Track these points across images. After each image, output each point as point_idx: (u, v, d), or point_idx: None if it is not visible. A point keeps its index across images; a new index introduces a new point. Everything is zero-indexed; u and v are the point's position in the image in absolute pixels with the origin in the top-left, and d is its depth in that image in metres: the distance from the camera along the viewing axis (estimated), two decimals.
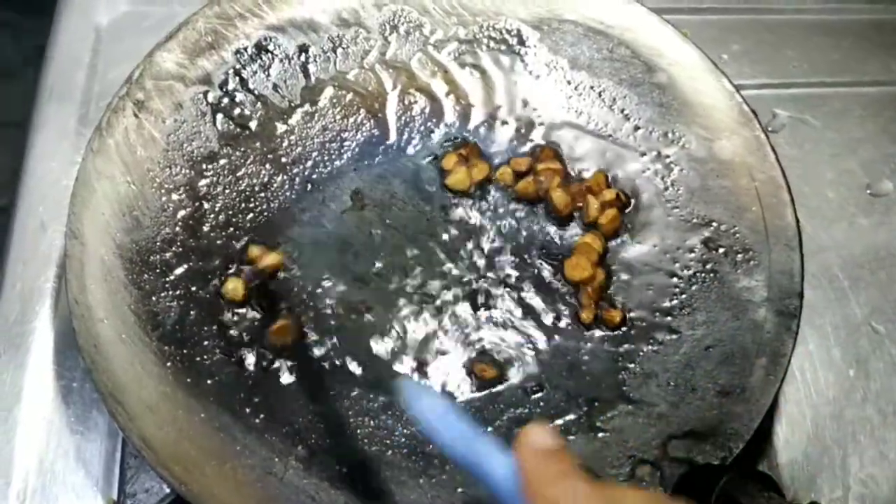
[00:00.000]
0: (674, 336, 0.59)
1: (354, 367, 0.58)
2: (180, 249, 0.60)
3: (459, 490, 0.53)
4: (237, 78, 0.65)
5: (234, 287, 0.59)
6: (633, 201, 0.64)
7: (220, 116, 0.64)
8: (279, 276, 0.60)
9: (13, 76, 0.75)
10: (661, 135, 0.65)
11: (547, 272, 0.62)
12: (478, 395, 0.58)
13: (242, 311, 0.59)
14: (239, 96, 0.65)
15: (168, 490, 0.55)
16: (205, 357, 0.57)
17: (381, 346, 0.59)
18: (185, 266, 0.59)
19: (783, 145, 0.69)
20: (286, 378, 0.57)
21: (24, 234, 0.65)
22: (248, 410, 0.55)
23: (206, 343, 0.57)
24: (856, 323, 0.66)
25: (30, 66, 0.74)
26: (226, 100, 0.64)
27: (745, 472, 0.47)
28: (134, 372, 0.54)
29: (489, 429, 0.56)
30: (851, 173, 0.73)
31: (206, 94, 0.64)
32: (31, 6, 0.80)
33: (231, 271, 0.60)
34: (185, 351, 0.57)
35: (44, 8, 0.78)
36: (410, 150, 0.66)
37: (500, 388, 0.58)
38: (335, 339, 0.59)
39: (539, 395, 0.58)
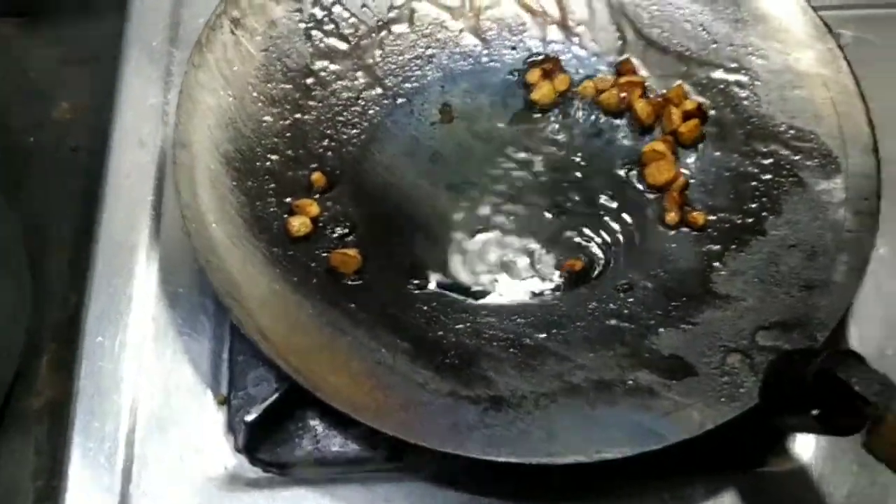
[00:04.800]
0: (758, 237, 0.61)
1: (450, 270, 0.61)
2: (282, 158, 0.63)
3: (561, 378, 0.56)
4: None
5: (300, 223, 0.61)
6: (712, 112, 0.66)
7: (314, 33, 0.66)
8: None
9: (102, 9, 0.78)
10: (738, 48, 0.67)
11: (631, 179, 0.65)
12: (569, 291, 0.61)
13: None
14: (329, 14, 0.67)
15: (276, 385, 0.58)
16: (311, 258, 0.59)
17: (475, 249, 0.62)
18: (288, 174, 0.62)
19: None
20: (386, 279, 0.60)
21: (123, 151, 0.68)
22: (353, 307, 0.58)
23: (309, 246, 0.60)
24: None
25: None
26: (317, 17, 0.67)
27: (838, 351, 0.50)
28: (246, 272, 0.57)
29: (582, 323, 0.59)
30: None
31: (298, 10, 0.66)
32: None
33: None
34: (290, 253, 0.59)
35: None
36: (495, 65, 0.69)
37: (591, 286, 0.61)
38: (430, 244, 0.62)
39: (629, 292, 0.60)
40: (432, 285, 0.60)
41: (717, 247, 0.61)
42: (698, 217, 0.62)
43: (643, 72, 0.68)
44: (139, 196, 0.66)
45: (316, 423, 0.58)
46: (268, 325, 0.55)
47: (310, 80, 0.65)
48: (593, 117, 0.67)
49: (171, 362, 0.61)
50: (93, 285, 0.63)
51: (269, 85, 0.64)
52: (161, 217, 0.65)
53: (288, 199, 0.61)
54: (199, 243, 0.57)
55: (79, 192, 0.69)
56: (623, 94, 0.66)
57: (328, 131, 0.64)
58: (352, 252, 0.59)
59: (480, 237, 0.62)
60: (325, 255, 0.60)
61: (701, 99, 0.67)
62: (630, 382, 0.56)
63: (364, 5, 0.68)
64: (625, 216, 0.63)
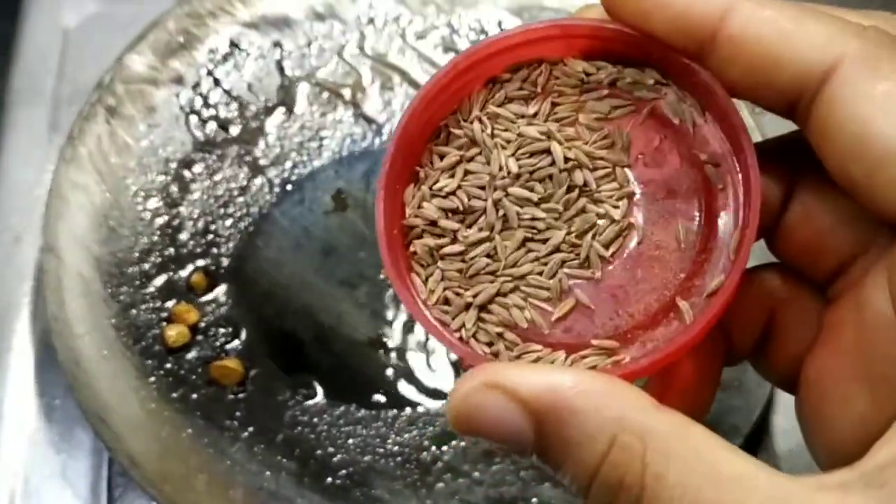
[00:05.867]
0: None
1: (342, 376, 0.57)
2: (159, 259, 0.58)
3: (456, 497, 0.52)
4: (210, 78, 0.63)
5: (178, 332, 0.56)
6: None
7: (194, 119, 0.62)
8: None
9: None
10: None
11: None
12: None
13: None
14: (213, 97, 0.63)
15: None
16: (189, 371, 0.55)
17: (368, 353, 0.58)
18: (164, 276, 0.58)
19: (769, 123, 0.68)
20: (271, 390, 0.56)
21: None
22: (235, 424, 0.54)
23: (188, 356, 0.56)
24: None
25: None
26: (199, 101, 0.63)
27: None
28: (117, 388, 0.53)
29: None
30: None
31: (178, 95, 0.62)
32: None
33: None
34: (167, 365, 0.55)
35: (7, 9, 0.75)
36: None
37: None
38: (319, 348, 0.58)
39: None
40: (320, 395, 0.56)
41: None
42: None
43: None
44: (14, 299, 0.62)
45: None
46: (140, 449, 0.51)
47: (191, 170, 0.61)
48: None
49: (48, 482, 0.57)
50: None
51: (147, 177, 0.60)
52: (36, 321, 0.61)
53: (166, 305, 0.57)
54: (66, 359, 0.53)
55: None
56: None
57: (211, 226, 0.60)
58: (232, 363, 0.55)
59: (374, 343, 0.58)
60: (205, 365, 0.56)
61: None
62: (534, 500, 0.52)
63: (251, 86, 0.64)
64: None
